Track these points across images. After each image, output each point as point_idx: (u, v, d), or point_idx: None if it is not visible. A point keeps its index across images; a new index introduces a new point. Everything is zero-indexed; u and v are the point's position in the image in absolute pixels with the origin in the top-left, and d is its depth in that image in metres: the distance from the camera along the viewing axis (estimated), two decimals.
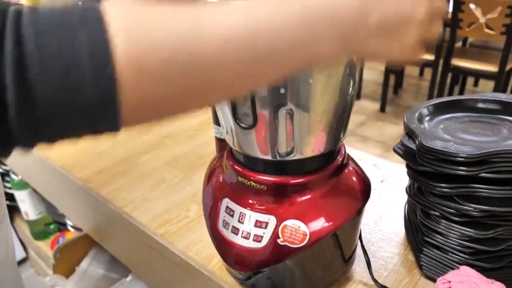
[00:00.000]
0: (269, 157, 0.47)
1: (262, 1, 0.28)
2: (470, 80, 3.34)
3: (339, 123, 0.48)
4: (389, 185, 0.76)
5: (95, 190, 0.78)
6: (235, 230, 0.48)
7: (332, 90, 0.44)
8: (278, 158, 0.47)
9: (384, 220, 0.68)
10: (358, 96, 3.35)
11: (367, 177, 0.55)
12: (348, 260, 0.55)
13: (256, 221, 0.47)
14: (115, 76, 0.24)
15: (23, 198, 1.39)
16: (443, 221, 0.51)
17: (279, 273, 0.50)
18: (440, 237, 0.52)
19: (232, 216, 0.49)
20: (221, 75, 0.27)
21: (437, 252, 0.53)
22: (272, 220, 0.46)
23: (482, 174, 0.46)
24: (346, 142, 0.60)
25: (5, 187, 1.46)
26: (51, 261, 1.07)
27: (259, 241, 0.47)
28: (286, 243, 0.46)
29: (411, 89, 3.55)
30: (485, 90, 3.21)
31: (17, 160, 1.15)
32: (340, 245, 0.51)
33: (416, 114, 0.56)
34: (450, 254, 0.52)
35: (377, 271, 0.58)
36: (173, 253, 0.64)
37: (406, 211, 0.63)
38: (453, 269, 0.51)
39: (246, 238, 0.48)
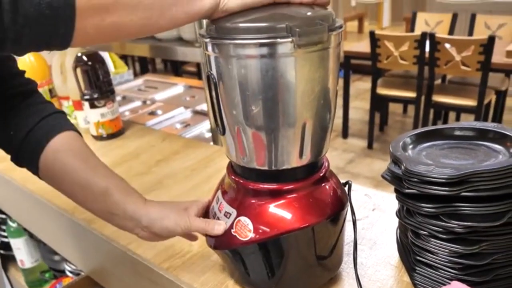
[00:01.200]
0: (241, 163, 0.57)
1: None
2: (452, 115, 3.46)
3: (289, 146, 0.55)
4: (381, 213, 0.80)
5: (99, 230, 0.80)
6: (214, 215, 0.61)
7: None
8: (246, 165, 0.56)
9: (378, 246, 0.71)
10: (346, 135, 3.44)
11: (340, 197, 0.59)
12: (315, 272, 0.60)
13: (226, 212, 0.59)
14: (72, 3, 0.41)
15: (19, 246, 1.39)
16: (432, 239, 0.55)
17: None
18: (430, 255, 0.56)
19: (217, 203, 0.61)
20: (135, 13, 0.46)
21: (429, 270, 0.57)
22: (234, 213, 0.57)
23: (463, 193, 0.51)
24: None
25: (1, 236, 1.46)
26: None
27: None
28: (236, 235, 0.56)
29: (396, 125, 3.66)
30: None
31: (16, 206, 1.17)
32: (300, 251, 0.57)
33: (401, 143, 0.61)
34: (441, 270, 0.55)
35: None
36: (179, 286, 0.66)
37: (398, 235, 0.67)
38: (445, 285, 0.55)
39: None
